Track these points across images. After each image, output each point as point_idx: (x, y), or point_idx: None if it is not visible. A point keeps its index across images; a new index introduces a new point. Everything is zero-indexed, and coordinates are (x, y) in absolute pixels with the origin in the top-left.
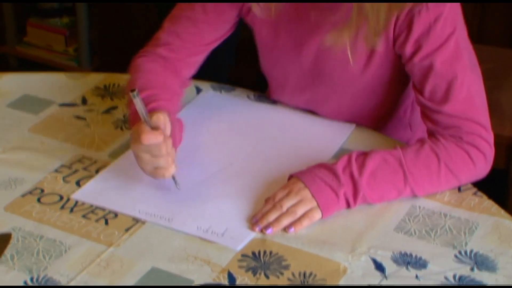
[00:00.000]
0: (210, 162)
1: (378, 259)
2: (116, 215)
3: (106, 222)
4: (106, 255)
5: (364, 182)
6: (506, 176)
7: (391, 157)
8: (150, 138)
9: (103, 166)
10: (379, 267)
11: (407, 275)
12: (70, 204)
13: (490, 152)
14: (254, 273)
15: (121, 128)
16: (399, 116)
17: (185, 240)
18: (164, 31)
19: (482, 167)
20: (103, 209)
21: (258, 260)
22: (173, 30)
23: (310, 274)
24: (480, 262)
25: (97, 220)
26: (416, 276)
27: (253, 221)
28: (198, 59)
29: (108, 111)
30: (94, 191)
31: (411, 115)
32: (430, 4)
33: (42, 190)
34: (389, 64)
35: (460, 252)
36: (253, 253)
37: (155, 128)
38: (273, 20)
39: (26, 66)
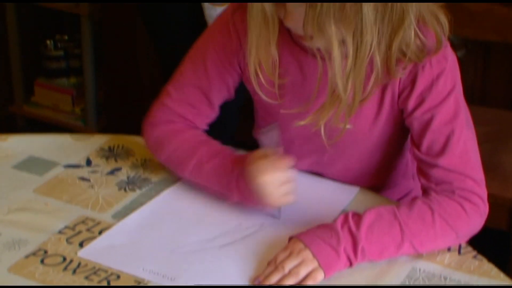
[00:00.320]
0: (215, 223)
1: None
2: (118, 276)
3: (108, 283)
4: None
5: (362, 235)
6: (508, 237)
7: (385, 211)
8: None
9: (107, 227)
10: None
11: None
12: (73, 265)
13: (483, 207)
14: None
15: (125, 189)
16: (402, 167)
17: None
18: (173, 99)
19: (477, 220)
20: (106, 271)
21: None
22: (183, 99)
23: None
24: None
25: (99, 282)
26: None
27: (256, 283)
28: (212, 115)
29: (112, 172)
30: (99, 250)
31: (413, 165)
32: (434, 61)
33: (46, 251)
34: (393, 119)
35: None
36: None
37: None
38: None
39: (34, 126)
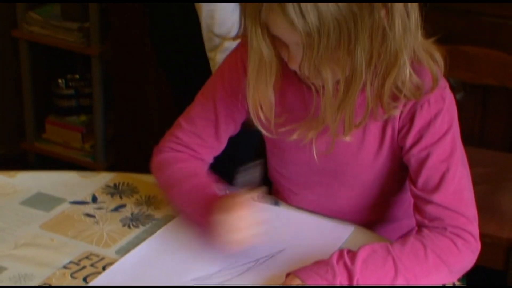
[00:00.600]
0: (212, 260)
1: None
2: None
3: None
4: None
5: (357, 269)
6: (505, 277)
7: (379, 247)
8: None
9: (110, 262)
10: None
11: None
12: None
13: (475, 244)
14: None
15: (129, 226)
16: (405, 203)
17: None
18: (182, 130)
19: (469, 256)
20: None
21: None
22: (192, 131)
23: None
24: None
25: None
26: None
27: None
28: (219, 148)
29: (116, 209)
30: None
31: None
32: (432, 100)
33: (50, 286)
34: (394, 155)
35: None
36: None
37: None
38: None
39: (44, 162)
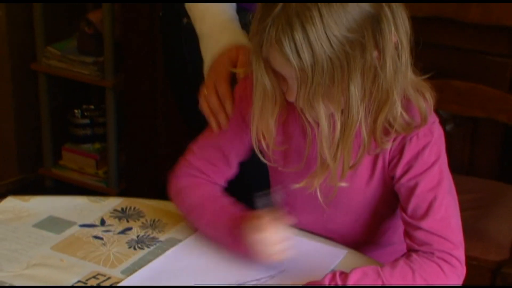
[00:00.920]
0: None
1: None
2: None
3: None
4: None
5: None
6: None
7: (370, 270)
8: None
9: (116, 282)
10: None
11: None
12: None
13: (461, 269)
14: None
15: (134, 248)
16: (397, 228)
17: None
18: (195, 156)
19: (454, 280)
20: None
21: None
22: (204, 157)
23: None
24: None
25: None
26: None
27: None
28: (230, 173)
29: (123, 231)
30: None
31: None
32: (421, 134)
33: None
34: (384, 184)
35: None
36: None
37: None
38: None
39: (60, 187)
